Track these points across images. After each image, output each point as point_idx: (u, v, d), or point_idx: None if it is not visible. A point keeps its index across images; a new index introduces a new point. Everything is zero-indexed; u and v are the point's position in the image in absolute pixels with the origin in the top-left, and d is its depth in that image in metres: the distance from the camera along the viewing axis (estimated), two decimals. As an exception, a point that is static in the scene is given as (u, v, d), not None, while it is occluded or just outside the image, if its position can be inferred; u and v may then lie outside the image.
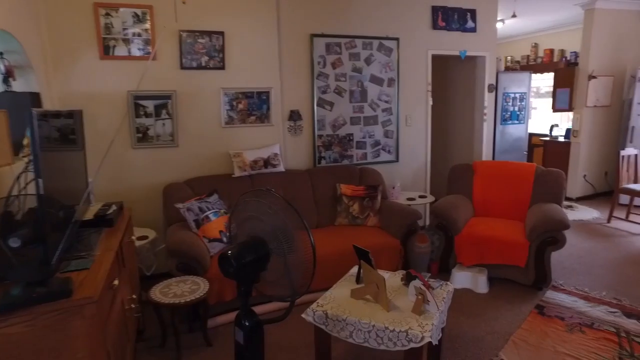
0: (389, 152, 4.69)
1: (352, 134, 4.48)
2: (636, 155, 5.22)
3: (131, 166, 3.53)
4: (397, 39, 4.49)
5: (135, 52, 3.38)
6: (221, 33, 3.65)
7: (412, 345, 1.91)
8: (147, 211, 3.56)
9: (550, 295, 3.27)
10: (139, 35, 3.37)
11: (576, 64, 6.06)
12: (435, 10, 4.63)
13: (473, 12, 4.82)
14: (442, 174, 5.70)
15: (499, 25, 5.09)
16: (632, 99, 5.83)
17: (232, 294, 2.95)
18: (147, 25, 3.38)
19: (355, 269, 2.67)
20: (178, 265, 2.80)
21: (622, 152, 5.07)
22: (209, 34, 3.61)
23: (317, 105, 4.25)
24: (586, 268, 3.80)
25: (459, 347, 2.61)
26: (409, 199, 4.27)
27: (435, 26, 4.66)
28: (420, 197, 4.40)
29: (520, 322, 2.88)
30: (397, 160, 4.73)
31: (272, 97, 3.97)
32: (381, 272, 2.52)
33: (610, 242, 4.48)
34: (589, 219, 5.27)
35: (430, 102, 4.80)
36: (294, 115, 4.15)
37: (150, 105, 3.50)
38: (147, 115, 3.51)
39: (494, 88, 5.13)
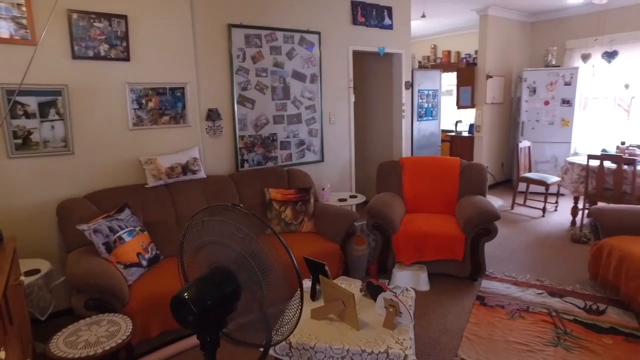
0: (314, 152, 4.49)
1: (275, 134, 4.19)
2: (529, 147, 5.79)
3: (8, 180, 2.77)
4: (318, 33, 4.30)
5: (5, 33, 2.65)
6: (123, 17, 3.07)
7: (394, 366, 1.71)
8: (36, 237, 2.84)
9: (486, 284, 3.38)
10: (9, 11, 2.65)
11: (475, 64, 6.53)
12: (354, 5, 4.54)
13: (390, 10, 4.85)
14: (363, 172, 5.69)
15: (408, 25, 5.22)
16: (519, 97, 6.49)
17: (159, 328, 2.47)
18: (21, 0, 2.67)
19: (307, 285, 2.41)
20: (87, 302, 2.25)
21: (520, 145, 5.58)
22: (108, 17, 3.00)
23: (238, 103, 3.87)
24: (508, 254, 4.03)
25: (419, 351, 2.50)
26: (341, 200, 4.12)
27: (355, 21, 4.58)
28: (351, 197, 4.29)
29: (467, 316, 2.89)
30: (322, 160, 4.56)
31: (188, 94, 3.48)
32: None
33: (518, 227, 4.87)
34: (495, 207, 5.69)
35: (353, 99, 4.72)
36: (213, 115, 3.72)
37: (32, 102, 2.78)
38: (28, 115, 2.79)
39: (410, 85, 5.25)
